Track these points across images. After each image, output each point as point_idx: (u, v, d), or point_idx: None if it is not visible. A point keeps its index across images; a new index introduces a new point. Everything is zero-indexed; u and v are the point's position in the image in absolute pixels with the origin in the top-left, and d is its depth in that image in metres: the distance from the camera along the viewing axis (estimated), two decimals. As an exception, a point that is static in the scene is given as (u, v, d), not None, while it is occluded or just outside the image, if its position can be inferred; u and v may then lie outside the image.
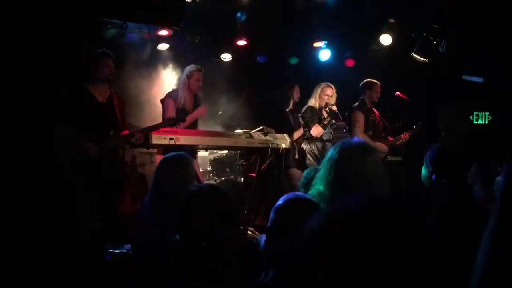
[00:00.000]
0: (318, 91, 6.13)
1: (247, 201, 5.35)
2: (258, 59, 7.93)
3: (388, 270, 1.08)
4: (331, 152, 2.33)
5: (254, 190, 5.28)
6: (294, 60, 8.09)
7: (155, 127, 4.64)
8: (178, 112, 5.11)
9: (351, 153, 2.27)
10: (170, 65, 7.33)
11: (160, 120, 5.06)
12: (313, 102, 6.13)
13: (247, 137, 5.10)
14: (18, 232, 2.15)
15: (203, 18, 6.66)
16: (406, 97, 6.37)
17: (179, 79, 5.49)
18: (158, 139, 4.50)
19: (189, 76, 5.28)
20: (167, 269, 2.26)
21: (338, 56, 7.87)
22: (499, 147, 5.33)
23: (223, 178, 6.24)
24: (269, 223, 2.04)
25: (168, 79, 7.24)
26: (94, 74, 4.67)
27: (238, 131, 5.76)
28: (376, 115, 6.24)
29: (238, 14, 7.00)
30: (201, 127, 5.66)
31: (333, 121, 6.00)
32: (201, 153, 6.49)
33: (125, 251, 3.82)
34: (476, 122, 6.78)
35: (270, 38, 7.61)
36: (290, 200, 2.03)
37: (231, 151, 6.32)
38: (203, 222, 2.11)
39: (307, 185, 2.88)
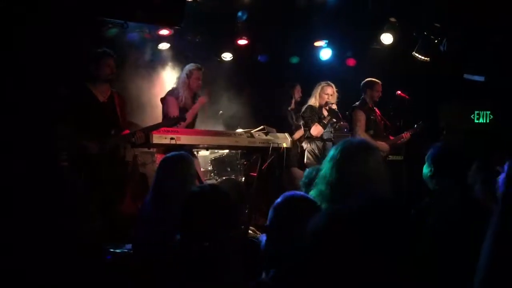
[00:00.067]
0: (318, 90, 6.08)
1: (248, 201, 5.35)
2: (259, 58, 7.92)
3: (389, 270, 1.08)
4: (332, 151, 2.33)
5: (255, 189, 5.27)
6: (295, 59, 8.07)
7: (156, 127, 4.62)
8: (179, 111, 5.10)
9: (352, 153, 2.27)
10: (171, 65, 7.32)
11: (160, 119, 5.05)
12: (313, 101, 6.09)
13: (248, 137, 5.09)
14: (18, 232, 2.14)
15: (203, 17, 6.64)
16: (407, 96, 6.36)
17: (178, 78, 5.46)
18: (159, 138, 4.49)
19: (189, 75, 5.26)
20: (168, 268, 2.26)
21: (339, 55, 7.85)
22: (500, 146, 5.32)
23: (224, 178, 6.24)
24: (268, 221, 2.04)
25: (169, 78, 7.21)
26: (95, 73, 4.67)
27: (239, 130, 5.75)
28: (377, 114, 6.23)
29: (239, 13, 7.00)
30: (202, 126, 5.66)
31: (333, 120, 5.96)
32: (202, 153, 6.49)
33: (126, 250, 3.83)
34: (478, 121, 6.78)
35: (271, 37, 7.59)
36: (288, 198, 2.03)
37: (232, 151, 6.32)
38: (204, 221, 2.11)
39: (309, 184, 2.88)
